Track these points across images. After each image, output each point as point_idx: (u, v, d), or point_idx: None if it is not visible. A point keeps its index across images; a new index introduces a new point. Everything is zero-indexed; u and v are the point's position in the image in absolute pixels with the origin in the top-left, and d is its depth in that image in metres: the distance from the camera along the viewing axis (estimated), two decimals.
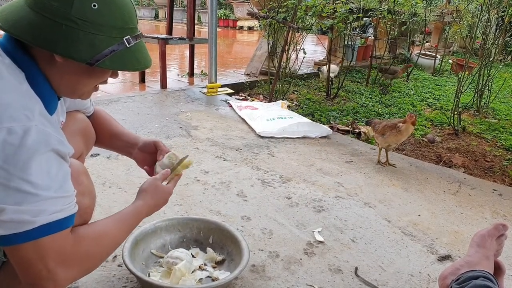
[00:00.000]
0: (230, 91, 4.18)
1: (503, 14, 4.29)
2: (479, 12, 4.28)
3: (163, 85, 4.10)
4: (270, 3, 4.03)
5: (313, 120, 3.34)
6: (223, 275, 1.33)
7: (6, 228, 0.73)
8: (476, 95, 4.10)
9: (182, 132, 2.84)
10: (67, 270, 0.81)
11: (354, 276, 1.45)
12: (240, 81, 4.62)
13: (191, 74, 4.89)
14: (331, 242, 1.65)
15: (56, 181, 0.77)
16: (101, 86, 1.09)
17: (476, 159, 2.89)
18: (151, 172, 1.26)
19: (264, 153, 2.58)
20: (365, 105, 4.19)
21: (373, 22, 5.33)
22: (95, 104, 1.30)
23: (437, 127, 3.64)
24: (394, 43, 6.23)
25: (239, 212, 1.82)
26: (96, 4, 0.80)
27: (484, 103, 4.26)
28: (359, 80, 5.53)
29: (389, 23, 5.20)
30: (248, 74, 5.08)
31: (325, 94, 4.46)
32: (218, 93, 4.05)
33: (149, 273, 1.32)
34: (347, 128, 3.33)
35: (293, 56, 4.11)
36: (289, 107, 3.76)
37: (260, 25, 4.49)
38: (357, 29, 5.11)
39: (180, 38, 4.40)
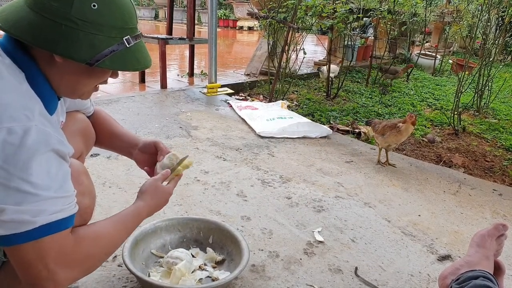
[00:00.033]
0: (230, 91, 4.18)
1: (503, 14, 4.29)
2: (479, 12, 4.28)
3: (163, 85, 4.10)
4: (270, 3, 4.03)
5: (313, 120, 3.34)
6: (223, 275, 1.33)
7: (6, 228, 0.73)
8: (476, 95, 4.10)
9: (182, 132, 2.84)
10: (67, 270, 0.81)
11: (354, 276, 1.45)
12: (240, 81, 4.62)
13: (191, 74, 4.89)
14: (331, 242, 1.65)
15: (56, 181, 0.78)
16: (101, 86, 1.09)
17: (476, 159, 2.89)
18: (151, 172, 1.26)
19: (264, 153, 2.58)
20: (365, 105, 4.19)
21: (373, 22, 5.34)
22: (95, 104, 1.30)
23: (437, 127, 3.64)
24: (394, 43, 6.23)
25: (239, 212, 1.82)
26: (95, 4, 0.80)
27: (484, 103, 4.26)
28: (359, 80, 5.53)
29: (389, 23, 5.20)
30: (248, 74, 5.08)
31: (325, 94, 4.46)
32: (218, 93, 4.05)
33: (149, 273, 1.32)
34: (347, 128, 3.33)
35: (293, 56, 4.11)
36: (289, 107, 3.76)
37: (260, 25, 4.49)
38: (357, 29, 5.11)
39: (180, 38, 4.40)
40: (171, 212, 1.74)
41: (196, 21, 5.14)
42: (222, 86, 4.22)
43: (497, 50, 4.18)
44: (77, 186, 0.86)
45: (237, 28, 14.70)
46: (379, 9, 4.60)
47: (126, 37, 0.85)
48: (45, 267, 0.78)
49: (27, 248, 0.76)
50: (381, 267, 1.51)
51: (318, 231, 1.71)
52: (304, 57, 4.08)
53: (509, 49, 7.11)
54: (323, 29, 4.90)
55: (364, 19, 4.74)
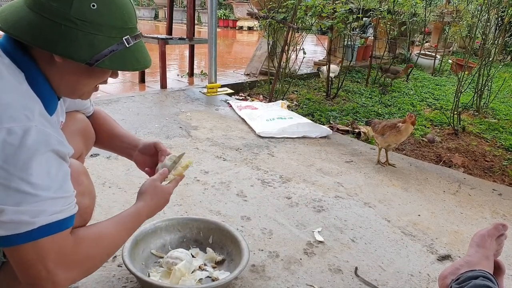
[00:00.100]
0: (230, 91, 4.18)
1: (502, 14, 4.30)
2: (478, 12, 4.29)
3: (163, 85, 4.10)
4: (270, 3, 4.03)
5: (313, 120, 3.34)
6: (223, 275, 1.33)
7: (6, 229, 0.73)
8: (475, 95, 4.10)
9: (182, 132, 2.84)
10: (66, 271, 0.81)
11: (354, 276, 1.45)
12: (240, 81, 4.62)
13: (191, 74, 4.89)
14: (331, 242, 1.65)
15: (56, 182, 0.77)
16: (101, 86, 1.09)
17: (475, 159, 2.89)
18: (152, 173, 1.25)
19: (264, 153, 2.58)
20: (365, 105, 4.19)
21: (373, 22, 5.34)
22: (95, 104, 1.30)
23: (437, 127, 3.64)
24: (394, 43, 6.23)
25: (239, 212, 1.82)
26: (95, 4, 0.80)
27: (484, 103, 4.26)
28: (359, 80, 5.53)
29: (388, 23, 5.20)
30: (248, 74, 5.08)
31: (325, 94, 4.46)
32: (218, 93, 4.05)
33: (149, 273, 1.32)
34: (347, 128, 3.33)
35: (293, 56, 4.11)
36: (289, 107, 3.76)
37: (260, 25, 4.49)
38: (357, 29, 5.11)
39: (180, 38, 4.40)
40: (171, 212, 1.74)
41: (196, 21, 5.14)
42: (222, 86, 4.22)
43: (496, 50, 4.18)
44: (77, 187, 0.86)
45: (237, 28, 14.70)
46: (379, 9, 4.60)
47: (126, 37, 0.85)
48: (44, 268, 0.77)
49: (27, 248, 0.75)
50: (381, 267, 1.51)
51: (318, 231, 1.71)
52: (304, 57, 4.08)
53: (508, 49, 7.12)
54: (323, 29, 4.90)
55: (364, 19, 4.75)
